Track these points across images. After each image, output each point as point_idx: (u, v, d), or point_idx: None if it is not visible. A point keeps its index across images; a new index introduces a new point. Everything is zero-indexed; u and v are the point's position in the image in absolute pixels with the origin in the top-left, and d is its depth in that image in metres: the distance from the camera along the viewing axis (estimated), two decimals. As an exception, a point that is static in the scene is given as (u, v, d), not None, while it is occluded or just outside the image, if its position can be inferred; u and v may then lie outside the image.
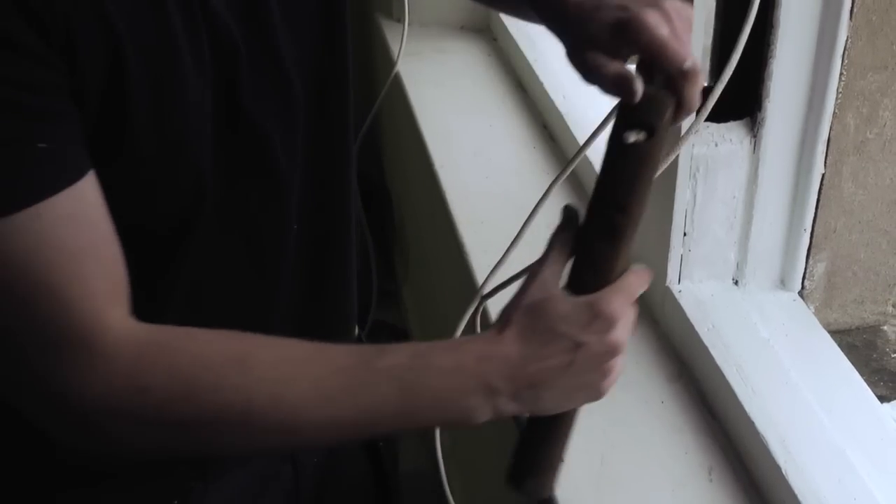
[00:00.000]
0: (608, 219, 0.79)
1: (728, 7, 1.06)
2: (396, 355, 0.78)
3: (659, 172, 0.81)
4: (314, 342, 0.78)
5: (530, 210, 0.94)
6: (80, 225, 0.71)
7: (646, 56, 0.78)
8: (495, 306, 1.19)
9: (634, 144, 0.76)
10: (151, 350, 0.73)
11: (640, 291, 0.81)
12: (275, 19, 0.85)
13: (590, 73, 0.82)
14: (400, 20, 2.05)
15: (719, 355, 1.07)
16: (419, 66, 1.99)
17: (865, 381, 1.10)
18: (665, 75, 0.78)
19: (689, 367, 1.13)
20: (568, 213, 0.83)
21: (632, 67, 0.80)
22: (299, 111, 0.91)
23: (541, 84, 1.71)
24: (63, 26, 0.67)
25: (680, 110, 0.79)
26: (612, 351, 0.77)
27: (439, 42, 2.08)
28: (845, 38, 1.06)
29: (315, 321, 1.03)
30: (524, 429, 0.86)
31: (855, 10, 1.05)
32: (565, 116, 1.59)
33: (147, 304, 0.78)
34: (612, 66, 0.79)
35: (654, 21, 0.77)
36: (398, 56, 2.00)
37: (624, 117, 0.78)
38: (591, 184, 1.43)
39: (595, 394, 0.80)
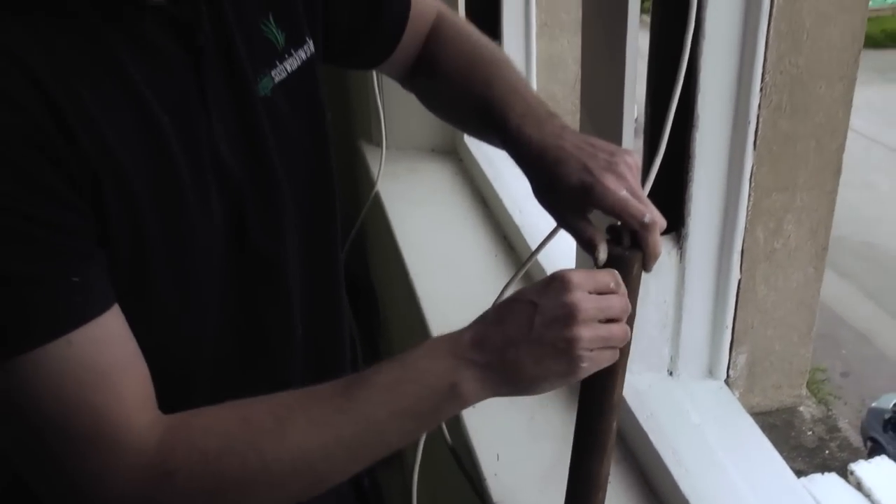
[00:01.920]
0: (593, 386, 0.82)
1: (652, 140, 1.08)
2: (374, 368, 0.78)
3: None
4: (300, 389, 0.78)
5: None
6: (107, 347, 0.72)
7: (610, 215, 0.80)
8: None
9: None
10: (170, 435, 0.73)
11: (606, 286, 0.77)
12: (272, 156, 0.87)
13: (563, 225, 0.84)
14: (379, 144, 2.08)
15: (657, 440, 1.07)
16: (395, 186, 2.02)
17: (785, 457, 1.10)
18: (629, 230, 0.80)
19: (632, 451, 1.13)
20: None
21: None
22: (295, 228, 0.92)
23: (500, 200, 1.73)
24: (89, 177, 0.69)
25: (647, 259, 0.81)
26: (570, 311, 0.73)
27: (413, 163, 2.11)
28: (751, 165, 1.08)
29: None
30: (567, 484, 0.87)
31: (757, 141, 1.07)
32: (521, 229, 1.60)
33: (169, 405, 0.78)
34: (586, 232, 0.81)
35: (614, 185, 0.79)
36: (378, 176, 2.03)
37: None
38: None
39: (568, 364, 0.74)
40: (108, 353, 0.72)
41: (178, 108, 0.78)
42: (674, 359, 1.19)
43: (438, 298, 1.54)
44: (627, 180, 0.80)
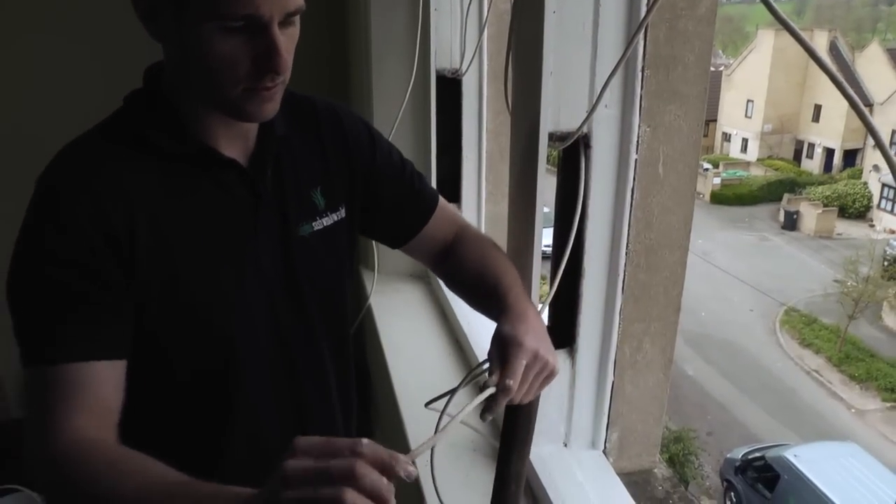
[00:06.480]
0: (505, 451, 0.83)
1: (551, 284, 1.11)
2: (189, 481, 0.67)
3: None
4: (169, 469, 0.69)
5: (448, 396, 0.94)
6: (98, 378, 0.77)
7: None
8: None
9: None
10: (74, 453, 0.73)
11: None
12: (300, 272, 0.92)
13: (491, 348, 0.84)
14: (372, 270, 2.10)
15: (553, 492, 1.09)
16: (382, 299, 2.02)
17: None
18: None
19: (536, 498, 1.14)
20: None
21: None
22: (315, 319, 0.96)
23: (455, 315, 1.75)
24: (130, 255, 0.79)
25: (491, 406, 0.79)
26: (280, 473, 0.58)
27: (396, 284, 2.11)
28: (620, 303, 1.12)
29: None
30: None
31: (625, 288, 1.11)
32: (468, 336, 1.62)
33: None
34: (493, 376, 0.80)
35: (514, 384, 0.78)
36: (371, 292, 2.04)
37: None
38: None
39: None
40: (89, 383, 0.77)
41: (231, 226, 0.87)
42: (567, 434, 1.20)
43: (408, 383, 1.55)
44: (527, 381, 0.81)
